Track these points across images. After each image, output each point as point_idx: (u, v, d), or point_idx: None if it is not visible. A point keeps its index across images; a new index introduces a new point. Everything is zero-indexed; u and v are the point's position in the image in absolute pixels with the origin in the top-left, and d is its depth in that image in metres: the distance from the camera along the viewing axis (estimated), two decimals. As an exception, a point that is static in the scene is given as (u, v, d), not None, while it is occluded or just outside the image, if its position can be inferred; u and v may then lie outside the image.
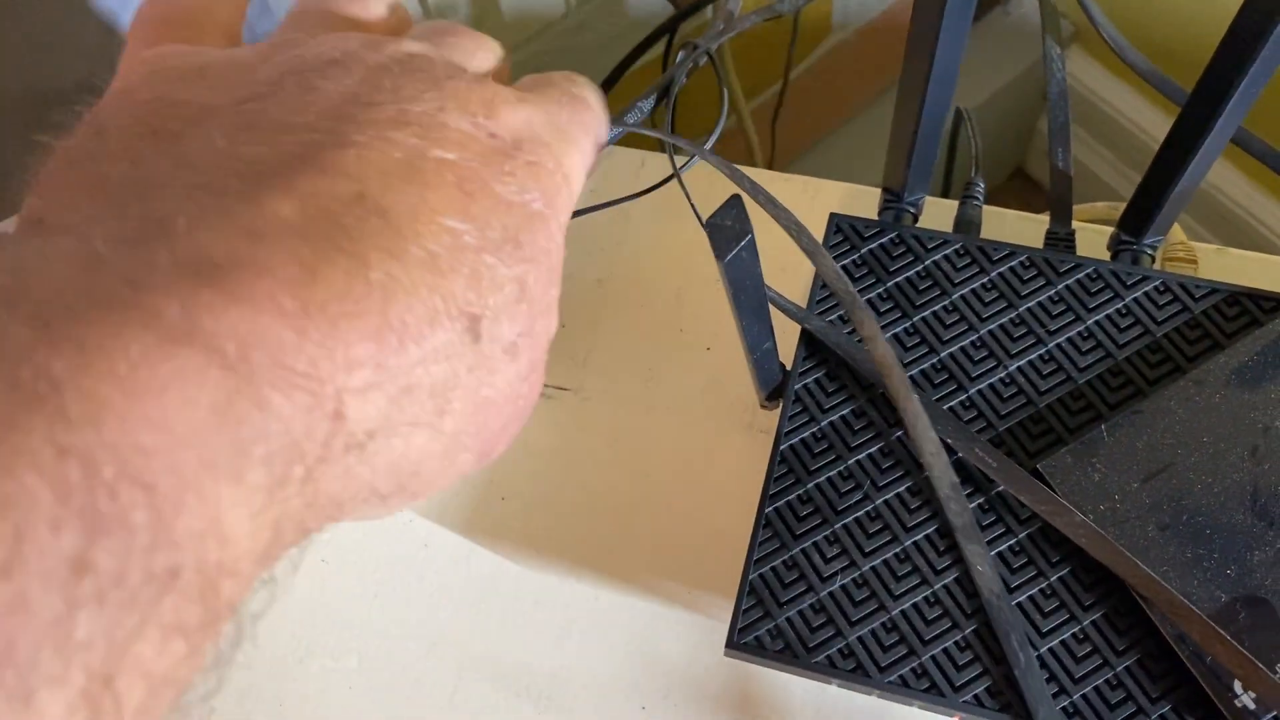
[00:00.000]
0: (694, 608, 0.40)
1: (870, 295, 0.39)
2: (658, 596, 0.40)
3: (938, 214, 0.43)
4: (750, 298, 0.29)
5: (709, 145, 0.42)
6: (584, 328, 0.45)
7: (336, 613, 0.41)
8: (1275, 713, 0.32)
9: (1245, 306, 0.38)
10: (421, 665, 0.40)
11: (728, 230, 0.25)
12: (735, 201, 0.26)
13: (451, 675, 0.40)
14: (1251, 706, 0.32)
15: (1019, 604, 0.34)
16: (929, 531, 0.35)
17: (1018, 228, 0.44)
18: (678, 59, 0.44)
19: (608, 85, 0.67)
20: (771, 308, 0.35)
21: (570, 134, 0.23)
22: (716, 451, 0.42)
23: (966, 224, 0.42)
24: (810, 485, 0.37)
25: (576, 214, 0.45)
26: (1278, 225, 0.96)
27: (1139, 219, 0.39)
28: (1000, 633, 0.33)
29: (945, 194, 0.91)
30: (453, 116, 0.20)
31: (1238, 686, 0.32)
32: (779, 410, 0.38)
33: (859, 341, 0.38)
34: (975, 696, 0.33)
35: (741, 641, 0.35)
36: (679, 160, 0.40)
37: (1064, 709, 0.33)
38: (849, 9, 0.99)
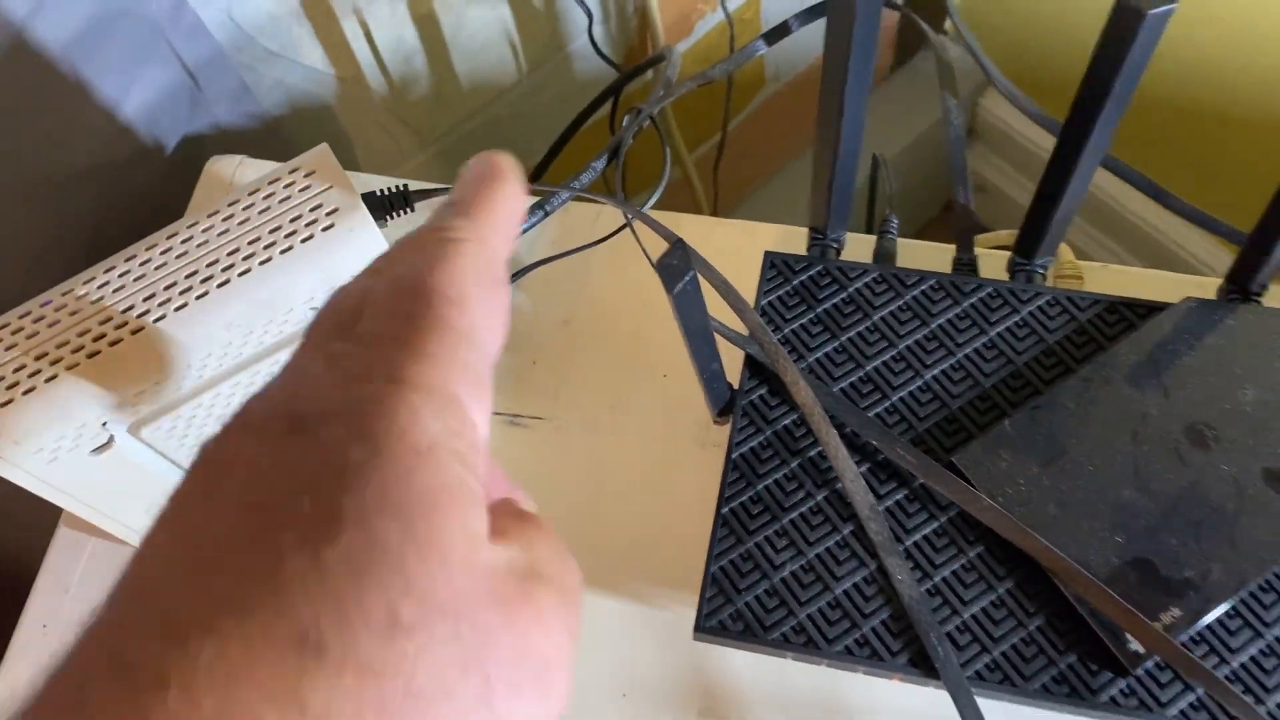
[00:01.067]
0: (665, 604, 0.45)
1: (803, 320, 0.45)
2: (632, 597, 0.45)
3: (861, 248, 0.49)
4: (697, 325, 0.35)
5: (650, 205, 0.47)
6: (554, 363, 0.50)
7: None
8: (1160, 653, 0.37)
9: (1123, 314, 0.44)
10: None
11: (674, 269, 0.31)
12: (680, 244, 0.31)
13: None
14: (1141, 650, 0.38)
15: (949, 573, 0.40)
16: (864, 521, 0.41)
17: (929, 256, 0.50)
18: (624, 123, 0.50)
19: (561, 144, 0.73)
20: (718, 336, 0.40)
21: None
22: (676, 466, 0.47)
23: (884, 255, 0.48)
24: (760, 487, 0.42)
25: (541, 262, 0.50)
26: (1172, 232, 1.03)
27: (1030, 243, 0.45)
28: (920, 632, 0.39)
29: (869, 230, 0.97)
30: None
31: (1128, 638, 0.38)
32: (729, 425, 0.44)
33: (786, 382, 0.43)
34: (910, 660, 0.39)
35: (707, 625, 0.40)
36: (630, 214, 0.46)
37: (987, 664, 0.38)
38: (780, 63, 1.06)
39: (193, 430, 0.39)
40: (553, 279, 0.52)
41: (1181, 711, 0.37)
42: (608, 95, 0.70)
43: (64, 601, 0.47)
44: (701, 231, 0.53)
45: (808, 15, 0.55)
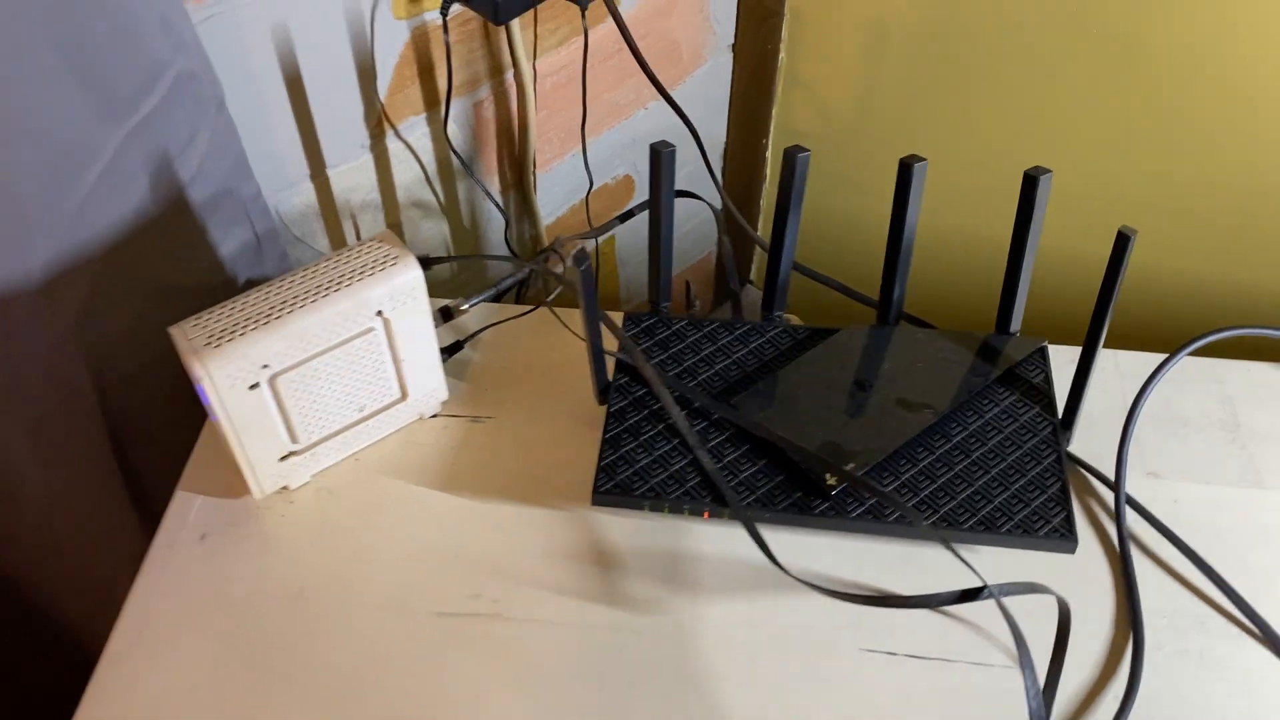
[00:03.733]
0: (571, 507, 0.74)
1: (647, 344, 0.78)
2: (551, 506, 0.74)
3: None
4: (590, 305, 0.68)
5: (552, 299, 0.81)
6: (498, 388, 0.81)
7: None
8: (845, 484, 0.69)
9: (819, 334, 0.79)
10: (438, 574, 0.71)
11: (581, 257, 0.64)
12: (583, 251, 0.65)
13: (454, 575, 0.71)
14: (834, 483, 0.69)
15: (731, 459, 0.71)
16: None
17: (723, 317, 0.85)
18: (540, 256, 0.84)
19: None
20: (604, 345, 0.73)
21: None
22: (574, 436, 0.78)
23: (692, 316, 0.82)
24: (627, 424, 0.73)
25: (486, 328, 0.83)
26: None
27: (769, 301, 0.81)
28: (718, 485, 0.70)
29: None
30: None
31: (827, 477, 0.70)
32: (606, 405, 0.75)
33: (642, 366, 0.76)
34: (713, 500, 0.69)
35: (600, 492, 0.70)
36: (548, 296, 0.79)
37: (755, 500, 0.69)
38: (631, 289, 1.45)
39: (305, 384, 0.69)
40: (495, 341, 0.84)
41: (858, 515, 0.68)
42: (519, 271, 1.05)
43: (175, 552, 0.73)
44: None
45: (640, 206, 0.92)
